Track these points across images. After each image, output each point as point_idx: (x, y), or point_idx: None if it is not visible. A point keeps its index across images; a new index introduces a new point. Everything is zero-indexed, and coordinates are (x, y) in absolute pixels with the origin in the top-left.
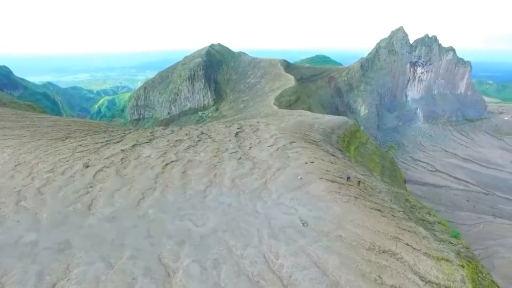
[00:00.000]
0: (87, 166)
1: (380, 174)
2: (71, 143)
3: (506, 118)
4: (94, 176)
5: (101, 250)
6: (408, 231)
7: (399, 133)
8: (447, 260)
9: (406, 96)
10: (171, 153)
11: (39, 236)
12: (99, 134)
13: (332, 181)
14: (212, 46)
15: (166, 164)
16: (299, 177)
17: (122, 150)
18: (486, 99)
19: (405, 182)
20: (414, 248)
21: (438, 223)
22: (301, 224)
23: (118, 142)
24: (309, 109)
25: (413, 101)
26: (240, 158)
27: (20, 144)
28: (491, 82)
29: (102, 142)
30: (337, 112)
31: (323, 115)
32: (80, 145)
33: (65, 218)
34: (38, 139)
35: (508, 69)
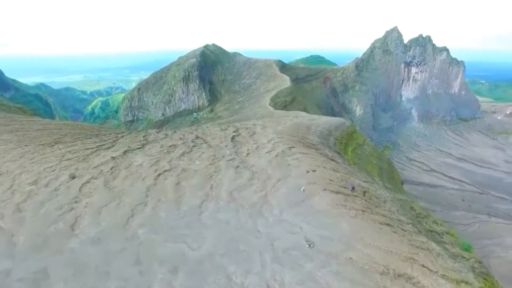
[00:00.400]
0: (74, 177)
1: (378, 176)
2: (60, 149)
3: (499, 118)
4: (80, 189)
5: (83, 280)
6: (422, 248)
7: (394, 133)
8: (466, 283)
9: (401, 96)
10: (164, 161)
11: (14, 264)
12: (90, 138)
13: (337, 192)
14: (206, 46)
15: (159, 174)
16: (301, 189)
17: (113, 158)
18: (479, 98)
19: (402, 183)
20: (431, 270)
21: (447, 233)
22: (307, 245)
23: (109, 148)
24: (305, 110)
25: (408, 101)
26: (238, 166)
27: (5, 151)
28: (484, 81)
29: (92, 148)
30: (332, 113)
31: (319, 116)
32: (69, 151)
33: (45, 241)
34: (26, 145)
35: (501, 68)
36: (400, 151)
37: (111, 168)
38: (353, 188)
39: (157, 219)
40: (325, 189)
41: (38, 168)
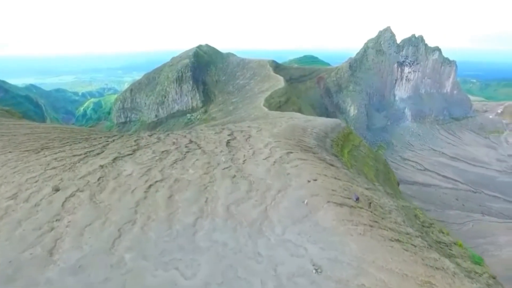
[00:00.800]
0: (58, 190)
1: (374, 177)
2: (45, 156)
3: (490, 117)
4: (63, 204)
5: None
6: (437, 268)
7: (388, 133)
8: None
9: (394, 95)
10: (155, 169)
11: None
12: (79, 143)
13: (341, 205)
14: (199, 47)
15: (150, 186)
16: (304, 202)
17: (101, 166)
18: (470, 97)
19: (398, 184)
20: None
21: (454, 243)
22: (314, 270)
23: (98, 154)
24: (299, 110)
25: (401, 101)
26: (234, 176)
27: None
28: (475, 80)
29: (80, 155)
30: (326, 113)
31: (315, 117)
32: (55, 159)
33: (18, 271)
34: (10, 151)
35: (491, 68)
36: (394, 150)
37: (99, 179)
38: (357, 199)
39: (147, 241)
40: (328, 202)
41: (20, 178)
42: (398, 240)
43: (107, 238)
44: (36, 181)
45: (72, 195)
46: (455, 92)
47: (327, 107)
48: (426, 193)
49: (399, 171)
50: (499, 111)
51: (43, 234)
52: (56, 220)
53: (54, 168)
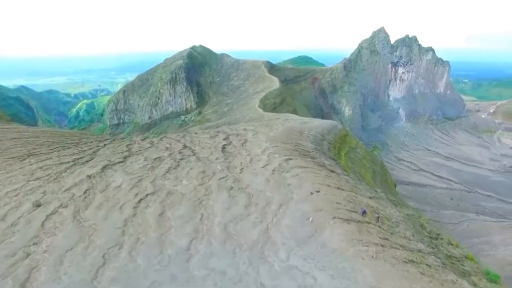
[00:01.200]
0: (38, 205)
1: (372, 180)
2: (31, 164)
3: (483, 116)
4: (43, 224)
5: None
6: None
7: (382, 133)
8: None
9: (389, 96)
10: (147, 180)
11: None
12: (68, 148)
13: (348, 221)
14: (193, 48)
15: (140, 200)
16: (309, 220)
17: (89, 177)
18: (463, 97)
19: (395, 185)
20: None
21: (466, 257)
22: None
23: (87, 161)
24: (294, 111)
25: (395, 101)
26: (231, 188)
27: None
28: (467, 80)
29: (68, 162)
30: (321, 113)
31: (311, 119)
32: (41, 167)
33: None
34: None
35: (482, 68)
36: (389, 151)
37: (85, 192)
38: (364, 212)
39: (134, 269)
40: (334, 217)
41: (0, 192)
42: (412, 261)
43: (90, 266)
44: (16, 195)
45: (54, 212)
46: (448, 92)
47: (322, 107)
48: (421, 194)
49: (395, 171)
50: (491, 111)
51: (17, 262)
52: (34, 244)
53: (38, 178)
